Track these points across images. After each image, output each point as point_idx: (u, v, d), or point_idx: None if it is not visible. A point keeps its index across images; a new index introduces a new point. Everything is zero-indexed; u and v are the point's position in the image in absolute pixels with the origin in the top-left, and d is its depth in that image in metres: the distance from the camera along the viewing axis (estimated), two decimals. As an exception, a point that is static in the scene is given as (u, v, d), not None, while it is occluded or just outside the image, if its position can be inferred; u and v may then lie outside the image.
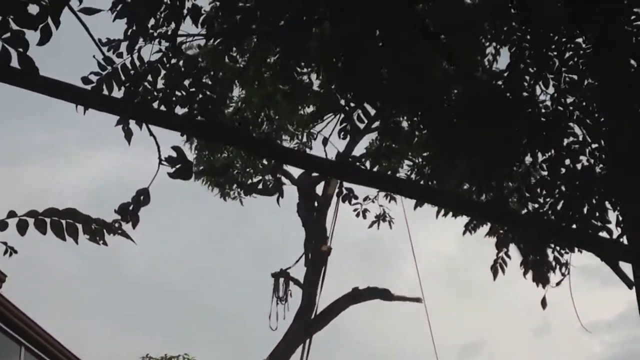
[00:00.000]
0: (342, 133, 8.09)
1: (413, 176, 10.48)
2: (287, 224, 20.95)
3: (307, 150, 17.86)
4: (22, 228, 4.57)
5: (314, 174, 19.71)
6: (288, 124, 17.18)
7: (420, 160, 13.16)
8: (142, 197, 6.90)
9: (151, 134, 6.76)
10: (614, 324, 54.04)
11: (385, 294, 19.48)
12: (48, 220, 4.58)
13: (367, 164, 8.55)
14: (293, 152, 8.37)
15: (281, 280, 19.35)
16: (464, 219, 9.12)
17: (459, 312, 44.89)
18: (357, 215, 19.52)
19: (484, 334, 49.78)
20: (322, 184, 19.86)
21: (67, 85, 5.16)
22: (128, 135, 7.71)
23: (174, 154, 6.21)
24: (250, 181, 19.63)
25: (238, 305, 41.46)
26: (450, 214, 9.31)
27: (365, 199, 19.47)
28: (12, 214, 4.54)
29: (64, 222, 4.60)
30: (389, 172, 14.35)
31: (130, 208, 6.89)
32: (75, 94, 5.48)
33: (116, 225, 6.48)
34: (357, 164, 8.34)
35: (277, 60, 8.29)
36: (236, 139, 6.84)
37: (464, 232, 8.45)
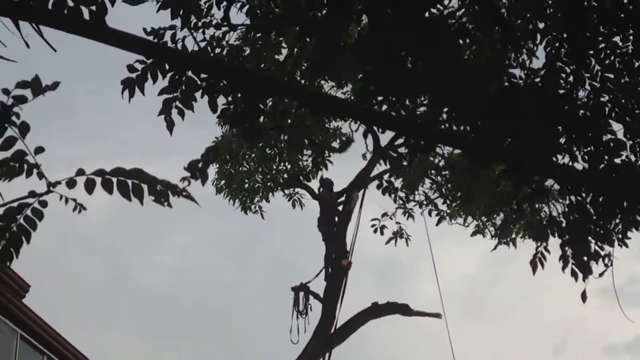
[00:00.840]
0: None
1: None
2: (307, 239, 20.97)
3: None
4: (89, 187, 4.61)
5: (335, 191, 19.85)
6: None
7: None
8: (210, 155, 6.91)
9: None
10: (633, 346, 53.78)
11: (404, 309, 19.45)
12: (115, 179, 4.63)
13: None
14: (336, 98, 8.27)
15: (301, 294, 19.37)
16: (484, 241, 9.11)
17: (477, 332, 44.80)
18: (375, 231, 19.76)
19: (501, 353, 49.45)
20: (343, 198, 19.98)
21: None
22: (170, 125, 7.77)
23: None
24: (271, 190, 19.83)
25: (258, 320, 41.36)
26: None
27: (383, 215, 19.70)
28: (80, 172, 4.58)
29: (129, 182, 4.64)
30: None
31: (200, 165, 6.89)
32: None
33: (184, 182, 6.51)
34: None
35: (314, 51, 8.33)
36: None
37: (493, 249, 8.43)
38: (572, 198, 7.86)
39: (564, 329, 51.28)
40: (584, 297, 8.10)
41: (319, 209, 19.82)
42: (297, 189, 20.44)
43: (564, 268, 8.12)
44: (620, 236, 7.91)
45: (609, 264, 7.87)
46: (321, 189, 19.91)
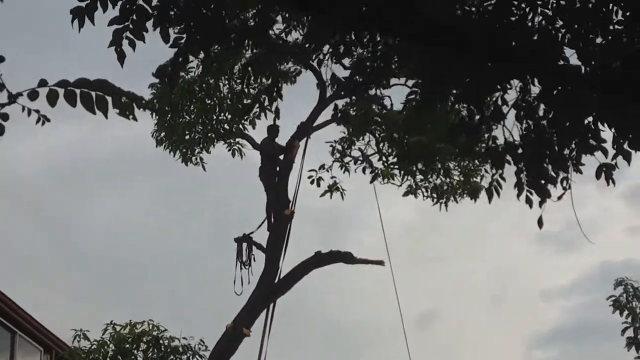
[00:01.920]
0: (334, 57, 8.03)
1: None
2: (250, 189, 20.82)
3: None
4: (52, 98, 4.43)
5: (277, 140, 19.74)
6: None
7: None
8: (180, 58, 6.72)
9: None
10: (567, 291, 54.90)
11: (347, 257, 19.45)
12: (78, 91, 4.45)
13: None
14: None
15: (244, 245, 19.32)
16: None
17: (417, 281, 45.23)
18: (312, 182, 19.65)
19: (441, 302, 50.15)
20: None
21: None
22: (121, 57, 7.56)
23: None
24: (212, 142, 19.68)
25: (202, 273, 41.19)
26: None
27: (320, 168, 19.58)
28: (43, 83, 4.40)
29: (93, 94, 4.47)
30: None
31: (169, 69, 6.71)
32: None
33: (153, 88, 6.33)
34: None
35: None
36: None
37: (458, 156, 8.38)
38: (529, 122, 7.86)
39: (501, 276, 52.14)
40: (540, 223, 8.10)
41: (260, 159, 19.74)
42: (238, 139, 20.31)
43: (519, 195, 8.11)
44: (574, 162, 7.93)
45: (568, 187, 7.89)
46: (264, 138, 19.78)
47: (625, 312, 20.69)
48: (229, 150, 20.36)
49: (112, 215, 45.16)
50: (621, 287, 20.90)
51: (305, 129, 19.59)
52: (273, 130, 19.58)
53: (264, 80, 10.92)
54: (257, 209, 19.73)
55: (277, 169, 19.59)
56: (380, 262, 19.69)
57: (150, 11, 7.38)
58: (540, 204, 7.95)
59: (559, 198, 7.90)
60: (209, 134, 19.66)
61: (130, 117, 4.58)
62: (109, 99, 4.51)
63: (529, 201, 8.07)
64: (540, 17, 8.19)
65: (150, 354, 21.19)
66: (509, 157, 8.09)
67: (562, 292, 53.34)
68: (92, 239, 43.64)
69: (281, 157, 19.67)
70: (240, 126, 19.93)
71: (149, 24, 7.44)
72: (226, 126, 19.79)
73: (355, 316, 45.14)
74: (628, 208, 53.71)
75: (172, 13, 7.48)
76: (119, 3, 7.31)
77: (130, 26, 7.39)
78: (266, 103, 13.90)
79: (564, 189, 7.88)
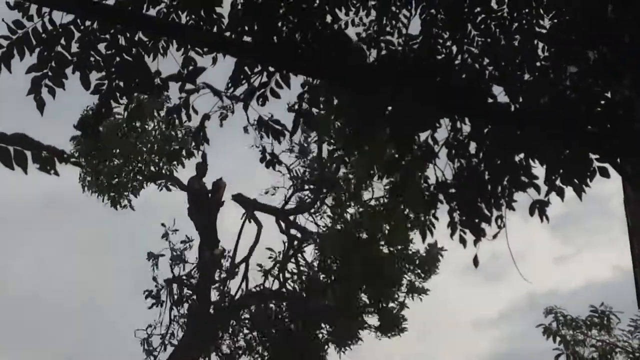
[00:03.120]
0: (261, 99, 7.89)
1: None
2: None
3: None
4: (-34, 155, 4.21)
5: (203, 180, 19.62)
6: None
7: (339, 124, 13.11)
8: (103, 109, 6.53)
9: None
10: (496, 321, 55.12)
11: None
12: (-5, 147, 4.24)
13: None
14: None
15: (174, 285, 19.09)
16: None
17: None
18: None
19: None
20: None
21: None
22: (40, 105, 7.32)
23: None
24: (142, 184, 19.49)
25: (135, 316, 40.39)
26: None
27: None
28: (-44, 139, 4.18)
29: (11, 148, 4.26)
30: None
31: (92, 121, 6.51)
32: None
33: (74, 142, 6.11)
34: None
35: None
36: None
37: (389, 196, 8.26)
38: (461, 161, 7.79)
39: (433, 308, 52.17)
40: (475, 262, 8.01)
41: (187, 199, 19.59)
42: (166, 181, 20.12)
43: (452, 234, 8.02)
44: (507, 199, 7.87)
45: (502, 225, 7.81)
46: (192, 177, 19.65)
47: (558, 339, 20.88)
48: (160, 190, 20.15)
49: (38, 260, 44.21)
50: (551, 315, 21.08)
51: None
52: (201, 169, 19.45)
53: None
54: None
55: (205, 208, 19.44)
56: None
57: (70, 57, 7.18)
58: (475, 243, 7.87)
59: (494, 237, 7.82)
60: (138, 177, 19.43)
61: (52, 172, 4.37)
62: (28, 153, 4.30)
63: (462, 240, 7.99)
64: (467, 55, 8.20)
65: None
66: (441, 197, 8.00)
67: (491, 322, 53.52)
68: (20, 284, 42.64)
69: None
70: (171, 167, 19.77)
71: (69, 71, 7.24)
72: (155, 169, 19.62)
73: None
74: (552, 238, 54.31)
75: (92, 59, 7.29)
76: (37, 50, 7.09)
77: (49, 73, 7.18)
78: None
79: (499, 227, 7.81)
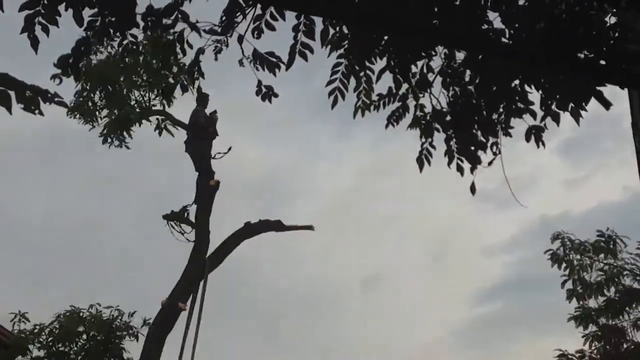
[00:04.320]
0: (257, 32, 7.82)
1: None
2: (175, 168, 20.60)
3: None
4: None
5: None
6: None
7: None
8: (82, 47, 6.47)
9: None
10: (508, 246, 55.37)
11: (277, 226, 19.41)
12: (-20, 87, 4.24)
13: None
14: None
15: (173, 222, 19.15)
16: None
17: (358, 246, 45.36)
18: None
19: (383, 265, 50.40)
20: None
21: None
22: (35, 43, 7.26)
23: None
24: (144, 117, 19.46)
25: (137, 251, 40.78)
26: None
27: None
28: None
29: (-5, 89, 4.27)
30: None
31: (71, 60, 6.46)
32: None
33: (55, 80, 6.12)
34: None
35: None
36: None
37: (387, 126, 8.22)
38: (456, 89, 7.78)
39: (442, 235, 52.48)
40: (472, 189, 8.04)
41: (185, 132, 19.56)
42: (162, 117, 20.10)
43: (449, 163, 8.05)
44: (504, 125, 7.87)
45: (498, 152, 7.83)
46: (195, 108, 19.53)
47: (564, 265, 20.99)
48: (156, 129, 20.13)
49: (45, 198, 44.41)
50: (558, 241, 21.17)
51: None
52: (203, 99, 19.37)
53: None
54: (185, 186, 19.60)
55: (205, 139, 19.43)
56: (309, 227, 19.72)
57: (62, -6, 7.11)
58: (472, 170, 7.89)
59: (490, 164, 7.85)
60: (137, 110, 19.41)
61: (36, 111, 4.38)
62: (12, 93, 4.30)
63: (460, 169, 8.02)
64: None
65: (92, 335, 20.94)
66: (437, 125, 8.00)
67: (503, 248, 53.75)
68: (28, 222, 42.85)
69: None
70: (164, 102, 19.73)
71: (62, 8, 7.17)
72: (147, 104, 19.61)
73: (294, 282, 45.28)
74: (563, 162, 54.26)
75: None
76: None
77: (42, 11, 7.12)
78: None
79: (494, 154, 7.83)
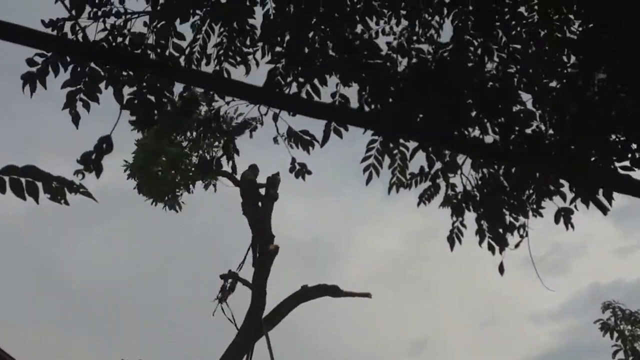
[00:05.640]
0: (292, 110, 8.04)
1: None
2: (232, 226, 20.91)
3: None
4: (-17, 186, 4.44)
5: (257, 177, 19.83)
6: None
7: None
8: (104, 145, 6.73)
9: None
10: (557, 314, 54.60)
11: (334, 291, 19.47)
12: (7, 178, 4.47)
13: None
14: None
15: (229, 281, 19.32)
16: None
17: (407, 309, 45.09)
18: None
19: (432, 329, 49.95)
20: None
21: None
22: (76, 119, 7.56)
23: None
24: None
25: (186, 309, 40.94)
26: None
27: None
28: (-29, 172, 4.41)
29: (23, 180, 4.49)
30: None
31: (93, 157, 6.72)
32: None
33: (79, 176, 6.36)
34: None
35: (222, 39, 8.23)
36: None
37: (419, 204, 8.34)
38: (485, 171, 7.88)
39: (491, 301, 51.96)
40: (501, 269, 8.12)
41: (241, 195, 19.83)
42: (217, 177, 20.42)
43: (480, 242, 8.14)
44: (534, 206, 7.94)
45: (525, 235, 7.90)
46: (245, 171, 19.85)
47: (615, 335, 20.68)
48: (206, 189, 20.56)
49: (95, 253, 44.97)
50: (609, 311, 20.89)
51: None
52: (251, 168, 19.76)
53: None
54: (236, 245, 19.81)
55: (260, 204, 19.65)
56: (367, 295, 19.73)
57: (102, 73, 7.40)
58: (500, 251, 7.97)
59: (516, 246, 7.92)
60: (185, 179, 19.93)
61: (62, 201, 4.59)
62: (39, 184, 4.52)
63: (491, 248, 8.10)
64: (496, 63, 8.24)
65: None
66: (468, 204, 8.10)
67: (552, 316, 53.02)
68: (78, 275, 43.44)
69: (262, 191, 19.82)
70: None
71: (102, 85, 7.46)
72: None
73: (343, 347, 45.12)
74: (614, 229, 53.58)
75: (124, 74, 7.49)
76: (71, 66, 7.33)
77: (83, 88, 7.41)
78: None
79: (521, 236, 7.90)
